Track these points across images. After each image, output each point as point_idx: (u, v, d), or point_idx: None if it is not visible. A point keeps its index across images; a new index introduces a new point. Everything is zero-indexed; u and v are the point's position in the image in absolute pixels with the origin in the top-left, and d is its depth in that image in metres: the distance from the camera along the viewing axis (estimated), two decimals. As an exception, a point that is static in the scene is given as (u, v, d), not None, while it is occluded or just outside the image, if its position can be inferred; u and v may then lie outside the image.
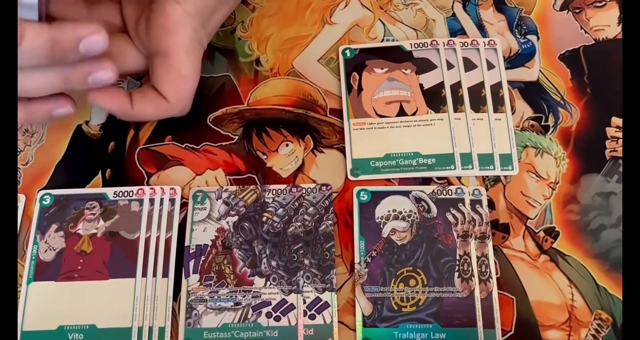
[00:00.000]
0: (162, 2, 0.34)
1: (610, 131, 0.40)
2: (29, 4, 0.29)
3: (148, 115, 0.36)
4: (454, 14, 0.45)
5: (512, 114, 0.41)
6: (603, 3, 0.45)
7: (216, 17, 0.37)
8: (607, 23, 0.44)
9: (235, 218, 0.38)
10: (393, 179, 0.40)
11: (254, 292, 0.37)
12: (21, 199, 0.39)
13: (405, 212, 0.38)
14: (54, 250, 0.38)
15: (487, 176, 0.40)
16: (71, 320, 0.36)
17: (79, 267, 0.37)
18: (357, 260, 0.37)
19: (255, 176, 0.40)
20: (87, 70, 0.32)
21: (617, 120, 0.40)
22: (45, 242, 0.38)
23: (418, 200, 0.39)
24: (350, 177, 0.40)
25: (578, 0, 0.45)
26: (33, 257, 0.37)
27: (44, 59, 0.30)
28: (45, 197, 0.39)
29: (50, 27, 0.29)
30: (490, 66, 0.42)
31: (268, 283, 0.37)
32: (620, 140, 0.40)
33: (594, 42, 0.43)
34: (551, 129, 0.41)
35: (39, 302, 0.36)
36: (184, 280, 0.37)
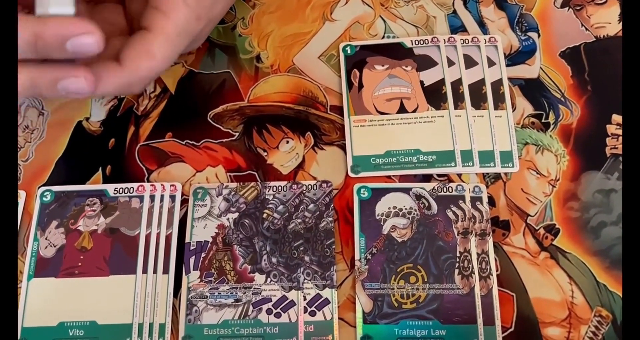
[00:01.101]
0: None
1: (611, 128, 0.40)
2: (66, 16, 0.28)
3: (101, 88, 0.31)
4: (454, 11, 0.45)
5: (513, 111, 0.41)
6: (604, 0, 0.45)
7: (213, 12, 0.36)
8: (608, 20, 0.44)
9: (236, 215, 0.38)
10: (393, 176, 0.40)
11: (254, 288, 0.37)
12: (21, 195, 0.39)
13: (406, 209, 0.38)
14: (55, 246, 0.38)
15: (488, 173, 0.40)
16: (72, 317, 0.36)
17: (80, 264, 0.37)
18: (357, 257, 0.37)
19: (255, 173, 0.40)
20: (57, 76, 0.30)
21: (617, 118, 0.40)
22: (46, 239, 0.38)
23: (418, 197, 0.39)
24: (351, 174, 0.40)
25: (579, -3, 0.45)
26: (33, 254, 0.37)
27: (26, 53, 0.28)
28: (45, 193, 0.39)
29: (37, 20, 0.28)
30: (490, 63, 0.42)
31: (268, 280, 0.37)
32: (621, 138, 0.40)
33: (594, 39, 0.43)
34: (552, 126, 0.41)
35: (40, 299, 0.36)
36: (184, 277, 0.37)
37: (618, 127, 0.40)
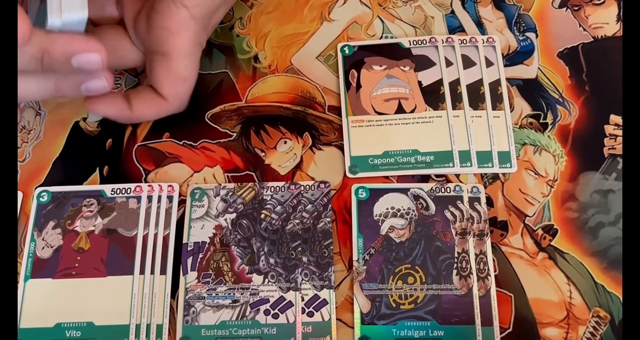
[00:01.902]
0: (167, 3, 0.33)
1: (609, 129, 0.40)
2: (79, 20, 0.30)
3: (148, 116, 0.37)
4: (452, 11, 0.45)
5: (511, 112, 0.41)
6: (602, 1, 0.45)
7: (215, 18, 0.37)
8: (606, 21, 0.44)
9: (234, 215, 0.38)
10: (391, 176, 0.40)
11: (252, 289, 0.36)
12: (18, 196, 0.39)
13: (404, 209, 0.38)
14: (52, 247, 0.37)
15: (486, 174, 0.39)
16: (68, 318, 0.36)
17: (77, 265, 0.37)
18: (355, 257, 0.37)
19: (253, 173, 0.40)
20: (81, 78, 0.32)
21: (615, 118, 0.40)
22: (43, 239, 0.38)
23: (416, 197, 0.39)
24: (349, 175, 0.39)
25: (577, -3, 0.45)
26: (30, 255, 0.37)
27: (32, 66, 0.30)
28: (42, 194, 0.39)
29: (46, 35, 0.29)
30: (489, 63, 0.42)
31: (266, 280, 0.37)
32: (619, 138, 0.40)
33: (592, 39, 0.43)
34: (550, 127, 0.41)
35: (36, 300, 0.36)
36: (181, 278, 0.37)
37: (616, 127, 0.40)
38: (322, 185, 0.39)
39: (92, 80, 0.32)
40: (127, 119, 0.36)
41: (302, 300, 0.36)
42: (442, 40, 0.43)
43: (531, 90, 0.42)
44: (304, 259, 0.37)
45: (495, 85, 0.41)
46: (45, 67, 0.30)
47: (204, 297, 0.36)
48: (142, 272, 0.37)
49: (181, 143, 0.41)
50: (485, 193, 0.39)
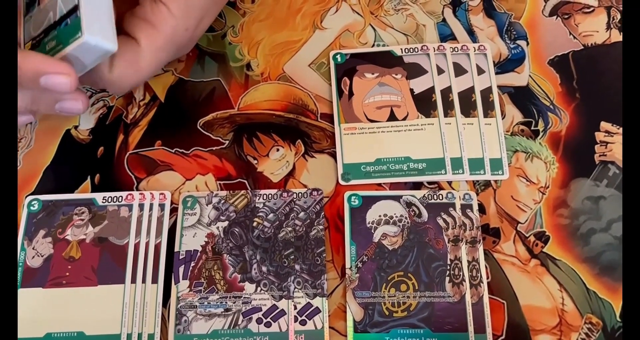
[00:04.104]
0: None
1: (599, 136, 0.41)
2: (106, 52, 0.31)
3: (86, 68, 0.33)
4: (444, 19, 0.45)
5: (502, 119, 0.41)
6: (591, 9, 0.45)
7: (203, 22, 0.36)
8: (596, 29, 0.44)
9: (226, 223, 0.38)
10: (384, 183, 0.40)
11: (244, 298, 0.36)
12: (9, 204, 0.39)
13: (396, 216, 0.38)
14: (42, 256, 0.37)
15: (478, 181, 0.40)
16: (59, 327, 0.36)
17: (67, 274, 0.37)
18: (348, 265, 0.37)
19: (245, 181, 0.40)
20: (56, 97, 0.33)
21: (606, 125, 0.41)
22: (33, 248, 0.37)
23: (409, 204, 0.39)
24: (341, 182, 0.39)
25: (567, 6, 0.45)
26: (20, 264, 0.37)
27: None
28: (33, 202, 0.39)
29: (20, 53, 0.30)
30: (480, 71, 0.42)
31: (259, 289, 0.36)
32: (610, 145, 0.40)
33: (582, 47, 0.44)
34: (541, 134, 0.41)
35: (27, 309, 0.36)
36: (173, 286, 0.37)
37: (606, 134, 0.40)
38: (315, 193, 0.39)
39: (67, 101, 0.33)
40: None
41: (295, 308, 0.36)
42: (434, 48, 0.43)
43: (522, 97, 0.42)
44: (297, 267, 0.37)
45: (486, 92, 0.42)
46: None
47: (196, 306, 0.36)
48: (133, 281, 0.36)
49: (173, 151, 0.41)
50: (478, 200, 0.39)
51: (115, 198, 0.39)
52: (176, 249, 0.37)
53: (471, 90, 0.42)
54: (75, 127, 0.42)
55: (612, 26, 0.44)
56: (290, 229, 0.38)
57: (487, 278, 0.37)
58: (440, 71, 0.42)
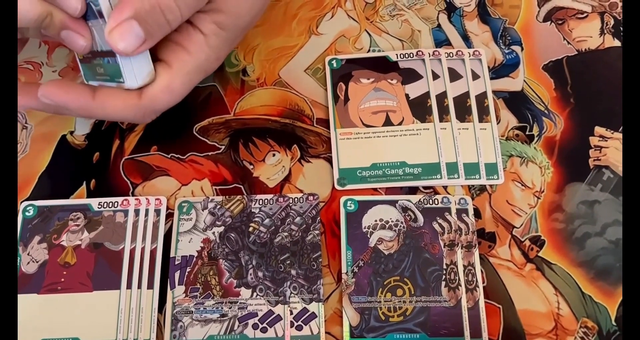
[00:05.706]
0: (186, 25, 0.34)
1: (594, 140, 0.41)
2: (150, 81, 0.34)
3: (111, 108, 0.33)
4: (439, 25, 0.45)
5: (497, 124, 0.41)
6: (585, 14, 0.45)
7: (230, 49, 0.38)
8: (590, 34, 0.45)
9: (222, 228, 0.38)
10: (380, 188, 0.40)
11: (240, 303, 0.36)
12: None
13: (392, 221, 0.38)
14: (37, 262, 0.37)
15: (473, 185, 0.40)
16: (54, 334, 0.35)
17: (63, 279, 0.37)
18: (344, 270, 0.37)
19: (241, 186, 0.40)
20: (67, 24, 0.32)
21: (600, 130, 0.41)
22: (28, 254, 0.37)
23: (405, 209, 0.39)
24: (337, 187, 0.40)
25: (561, 11, 0.45)
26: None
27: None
28: (28, 208, 0.39)
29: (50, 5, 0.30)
30: (475, 76, 0.42)
31: (255, 294, 0.36)
32: (604, 149, 0.40)
33: (576, 52, 0.44)
34: (536, 139, 0.41)
35: (22, 316, 0.36)
36: (169, 292, 0.36)
37: (601, 139, 0.41)
38: (311, 198, 0.39)
39: (73, 33, 0.32)
40: (85, 109, 0.33)
41: (291, 313, 0.36)
42: (429, 53, 0.43)
43: (517, 102, 0.42)
44: (293, 272, 0.37)
45: (481, 97, 0.42)
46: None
47: (192, 311, 0.36)
48: (129, 286, 0.36)
49: (169, 156, 0.41)
50: (473, 204, 0.39)
51: (110, 203, 0.39)
52: (172, 255, 0.37)
53: (466, 95, 0.42)
54: (71, 133, 0.42)
55: (605, 32, 0.45)
56: (286, 234, 0.38)
57: (483, 282, 0.37)
58: (435, 76, 0.42)
